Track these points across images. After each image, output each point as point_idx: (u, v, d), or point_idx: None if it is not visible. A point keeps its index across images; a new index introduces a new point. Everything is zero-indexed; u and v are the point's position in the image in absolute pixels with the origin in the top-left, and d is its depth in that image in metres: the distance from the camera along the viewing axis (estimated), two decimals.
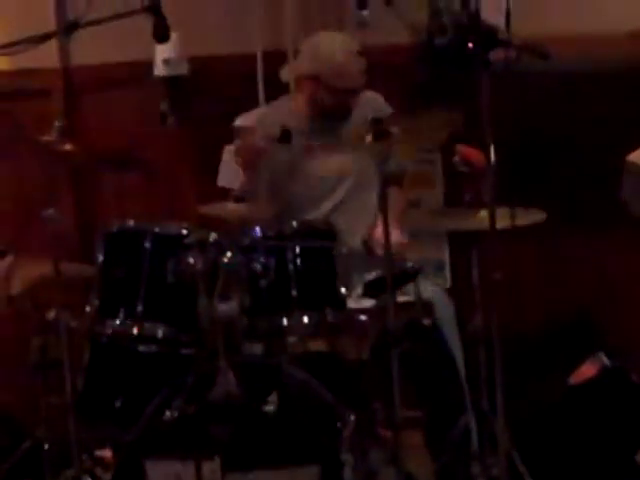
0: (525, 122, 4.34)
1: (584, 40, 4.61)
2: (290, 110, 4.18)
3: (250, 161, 3.95)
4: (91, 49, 4.61)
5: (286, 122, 4.01)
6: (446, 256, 4.41)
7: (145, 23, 3.61)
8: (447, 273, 4.36)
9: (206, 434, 3.27)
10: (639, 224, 3.51)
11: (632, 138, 3.63)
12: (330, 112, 4.10)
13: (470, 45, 3.67)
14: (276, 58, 4.50)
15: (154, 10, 3.65)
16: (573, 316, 4.59)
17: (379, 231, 3.81)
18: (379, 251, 3.86)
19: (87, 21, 3.75)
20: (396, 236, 3.91)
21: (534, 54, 3.64)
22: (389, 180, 3.86)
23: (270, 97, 4.49)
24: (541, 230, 3.82)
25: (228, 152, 4.12)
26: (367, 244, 3.88)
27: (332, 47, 4.07)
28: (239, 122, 4.19)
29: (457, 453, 3.95)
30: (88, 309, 3.63)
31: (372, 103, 4.12)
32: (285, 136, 3.90)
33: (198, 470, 3.25)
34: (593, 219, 4.41)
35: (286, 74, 4.25)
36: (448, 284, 4.26)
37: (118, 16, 3.67)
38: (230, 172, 4.14)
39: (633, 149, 3.62)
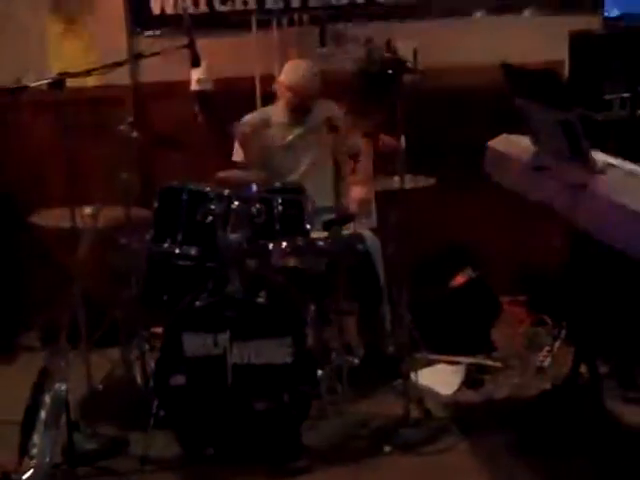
0: (425, 120, 4.32)
1: (466, 69, 4.60)
2: (275, 109, 4.17)
3: (245, 143, 3.95)
4: (151, 71, 4.57)
5: (272, 116, 4.02)
6: (374, 206, 4.37)
7: (185, 54, 3.59)
8: (374, 217, 4.32)
9: (222, 316, 3.26)
10: (496, 185, 3.48)
11: (494, 133, 3.62)
12: (297, 109, 4.07)
13: (390, 72, 3.66)
14: (267, 79, 4.46)
15: (190, 46, 3.63)
16: (452, 244, 4.60)
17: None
18: (352, 207, 3.87)
19: (148, 54, 3.76)
20: (360, 192, 3.94)
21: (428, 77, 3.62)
22: (349, 156, 3.89)
23: (264, 104, 4.47)
24: (434, 189, 3.82)
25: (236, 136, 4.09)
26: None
27: (299, 69, 4.06)
28: (241, 121, 4.14)
29: (377, 330, 3.99)
30: (147, 237, 3.63)
31: (328, 108, 4.08)
32: (267, 123, 3.95)
33: (215, 339, 3.26)
34: (468, 183, 4.41)
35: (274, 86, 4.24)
36: (375, 225, 4.23)
37: (168, 51, 3.66)
38: (237, 152, 4.13)
39: (492, 138, 3.62)
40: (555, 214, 2.98)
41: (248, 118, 4.13)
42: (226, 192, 3.55)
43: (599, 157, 3.10)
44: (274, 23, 4.60)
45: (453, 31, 4.69)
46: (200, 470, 3.24)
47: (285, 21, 4.64)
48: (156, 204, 3.64)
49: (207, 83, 4.49)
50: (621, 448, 3.11)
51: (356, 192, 3.95)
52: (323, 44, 3.99)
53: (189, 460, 3.29)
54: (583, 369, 3.24)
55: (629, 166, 3.08)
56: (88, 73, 3.70)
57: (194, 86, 4.49)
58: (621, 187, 2.72)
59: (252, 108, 4.44)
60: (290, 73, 4.08)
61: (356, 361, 3.86)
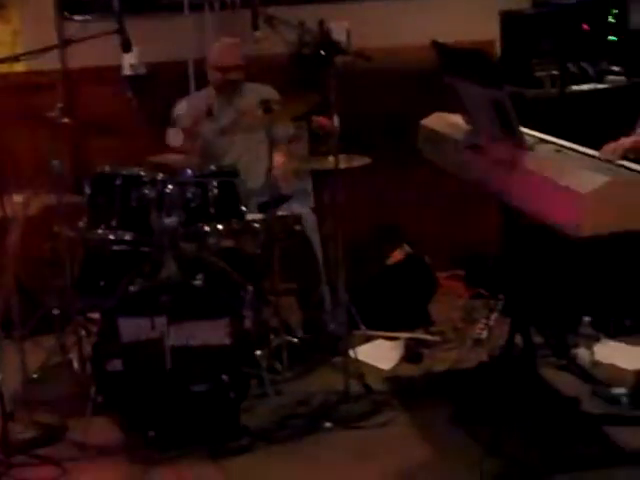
0: (359, 101, 4.31)
1: (397, 49, 4.59)
2: (206, 93, 4.12)
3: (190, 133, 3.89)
4: (81, 56, 4.46)
5: (205, 102, 3.97)
6: (310, 186, 4.36)
7: (117, 39, 3.52)
8: (311, 197, 4.31)
9: (158, 300, 3.21)
10: (428, 162, 3.49)
11: (427, 112, 3.62)
12: (224, 87, 4.03)
13: (323, 53, 3.63)
14: (200, 63, 4.39)
15: (121, 31, 3.57)
16: (388, 223, 4.60)
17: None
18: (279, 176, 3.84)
19: (78, 39, 3.68)
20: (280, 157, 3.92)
21: (362, 58, 3.60)
22: (279, 139, 3.87)
23: (197, 88, 4.42)
24: (369, 169, 3.81)
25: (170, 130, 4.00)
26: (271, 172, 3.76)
27: (218, 44, 4.05)
28: (177, 109, 4.07)
29: (316, 309, 3.97)
30: (81, 224, 3.55)
31: (263, 91, 4.04)
32: (209, 113, 3.88)
33: (152, 323, 3.20)
34: (403, 161, 4.42)
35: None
36: (312, 204, 4.22)
37: (98, 35, 3.58)
38: (173, 136, 4.04)
39: (425, 116, 3.62)
40: (488, 191, 2.99)
41: (185, 106, 4.06)
42: (160, 176, 3.50)
43: (529, 134, 3.14)
44: (206, 6, 4.54)
45: (385, 12, 4.69)
46: (140, 454, 3.19)
47: (217, 4, 4.58)
48: (89, 190, 3.56)
49: (140, 68, 4.42)
50: (555, 415, 3.15)
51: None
52: (256, 27, 3.93)
53: (129, 445, 3.25)
54: (518, 340, 3.26)
55: (559, 142, 3.12)
56: (16, 59, 3.61)
57: (126, 71, 4.42)
58: (550, 163, 2.74)
59: (186, 92, 4.38)
60: (212, 51, 4.09)
61: (295, 340, 3.85)
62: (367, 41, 4.50)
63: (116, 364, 3.21)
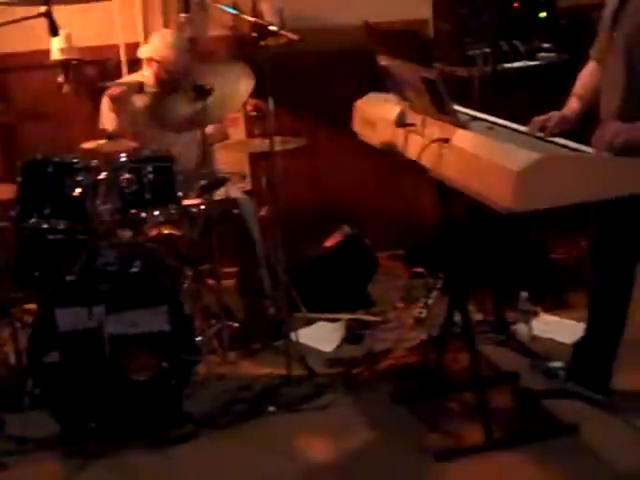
0: (293, 82, 4.28)
1: (332, 29, 4.55)
2: (144, 77, 4.02)
3: (117, 106, 3.80)
4: (8, 41, 4.32)
5: (144, 84, 3.88)
6: (247, 169, 4.32)
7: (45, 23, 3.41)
8: (248, 180, 4.27)
9: (95, 289, 3.15)
10: (366, 144, 3.47)
11: (361, 93, 3.59)
12: (165, 84, 3.94)
13: (255, 35, 3.59)
14: (132, 47, 4.31)
15: (47, 15, 3.47)
16: (328, 204, 4.58)
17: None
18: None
19: (3, 22, 3.56)
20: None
21: (295, 39, 3.56)
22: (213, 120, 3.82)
23: (130, 72, 4.32)
24: (306, 150, 3.79)
25: (105, 103, 3.91)
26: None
27: (167, 40, 3.93)
28: (109, 90, 3.97)
29: (257, 293, 3.94)
30: (12, 213, 3.46)
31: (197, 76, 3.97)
32: (140, 88, 3.78)
33: (89, 313, 3.14)
34: (338, 143, 4.40)
35: (141, 53, 4.08)
36: (249, 187, 4.18)
37: (24, 19, 3.48)
38: (107, 120, 3.96)
39: (360, 97, 3.60)
40: (423, 169, 2.98)
41: (116, 85, 3.97)
42: (94, 163, 3.42)
43: (462, 112, 3.14)
44: None
45: None
46: (81, 447, 3.14)
47: None
48: (20, 179, 3.46)
49: (70, 52, 4.31)
50: (492, 389, 3.18)
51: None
52: (187, 10, 3.85)
53: (69, 438, 3.19)
54: (458, 318, 3.28)
55: (491, 120, 3.13)
56: None
57: (56, 55, 4.31)
58: (483, 141, 2.75)
59: (118, 76, 4.29)
60: (157, 44, 3.96)
61: (236, 325, 3.81)
62: (301, 22, 4.46)
63: (53, 356, 3.14)
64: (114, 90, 3.80)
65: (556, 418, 3.13)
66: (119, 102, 3.80)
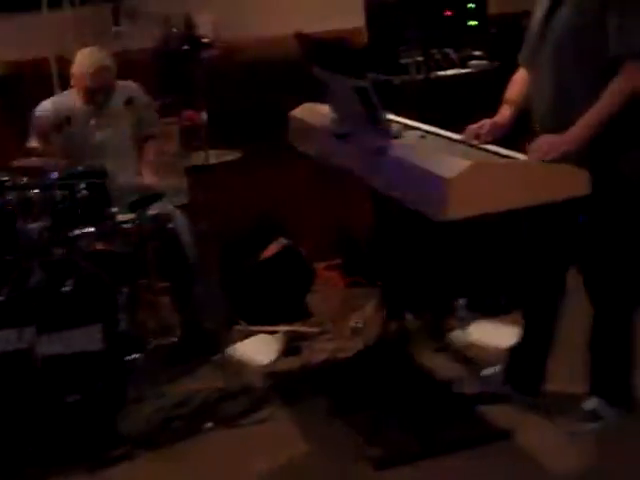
0: (227, 94, 4.23)
1: (266, 40, 4.53)
2: (73, 97, 3.94)
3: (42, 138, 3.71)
4: None
5: (71, 107, 3.80)
6: (184, 183, 4.25)
7: None
8: (185, 194, 4.20)
9: (26, 309, 3.08)
10: (302, 155, 3.45)
11: (296, 103, 3.57)
12: (93, 101, 3.85)
13: (187, 47, 3.55)
14: (63, 61, 4.20)
15: None
16: (264, 216, 4.52)
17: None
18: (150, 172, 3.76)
19: None
20: (150, 179, 3.78)
21: (226, 51, 3.53)
22: (147, 137, 3.76)
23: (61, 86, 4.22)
24: (241, 163, 3.75)
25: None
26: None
27: (92, 58, 3.83)
28: (38, 109, 3.86)
29: (192, 307, 3.88)
30: None
31: (129, 89, 3.89)
32: (67, 121, 3.69)
33: (20, 334, 3.06)
34: (274, 154, 4.36)
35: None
36: (186, 201, 4.10)
37: None
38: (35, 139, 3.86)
39: (295, 108, 3.57)
40: (358, 179, 2.97)
41: (47, 109, 3.87)
42: (24, 181, 3.33)
43: (395, 121, 3.13)
44: (67, 2, 4.36)
45: (253, 3, 4.60)
46: (14, 472, 3.05)
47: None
48: None
49: None
50: (430, 398, 3.18)
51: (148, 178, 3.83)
52: (117, 23, 3.79)
53: (7, 464, 3.08)
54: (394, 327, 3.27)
55: (423, 128, 3.13)
56: None
57: None
58: (415, 149, 2.76)
59: (49, 90, 4.19)
60: (83, 63, 3.84)
61: (174, 340, 3.74)
62: (235, 33, 4.43)
63: None
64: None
65: (490, 424, 3.13)
66: (46, 136, 3.71)
